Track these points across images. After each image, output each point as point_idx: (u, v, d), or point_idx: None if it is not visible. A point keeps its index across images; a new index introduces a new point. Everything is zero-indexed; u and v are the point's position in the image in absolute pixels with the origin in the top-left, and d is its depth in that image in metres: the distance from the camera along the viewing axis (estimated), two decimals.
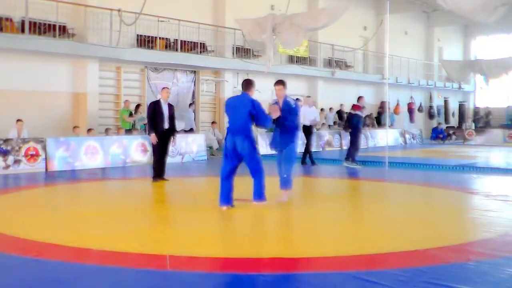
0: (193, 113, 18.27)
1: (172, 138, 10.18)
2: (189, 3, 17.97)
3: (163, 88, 10.69)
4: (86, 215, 6.76)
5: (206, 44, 18.34)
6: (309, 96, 14.15)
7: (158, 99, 10.44)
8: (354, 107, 13.57)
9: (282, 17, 12.42)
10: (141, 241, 5.27)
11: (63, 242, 5.17)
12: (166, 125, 10.01)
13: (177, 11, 16.80)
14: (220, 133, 17.59)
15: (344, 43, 22.93)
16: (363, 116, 13.70)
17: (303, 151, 13.59)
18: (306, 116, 13.21)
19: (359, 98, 13.79)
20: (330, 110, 22.73)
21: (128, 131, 14.99)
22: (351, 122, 13.40)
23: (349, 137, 13.78)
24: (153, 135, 9.92)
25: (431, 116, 28.65)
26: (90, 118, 15.19)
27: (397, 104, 26.26)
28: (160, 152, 10.10)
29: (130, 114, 15.38)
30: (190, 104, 18.40)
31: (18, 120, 12.53)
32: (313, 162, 13.66)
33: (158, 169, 10.11)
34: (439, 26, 30.75)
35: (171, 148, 11.13)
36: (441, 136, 25.84)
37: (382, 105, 26.44)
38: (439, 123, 28.43)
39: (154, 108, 10.03)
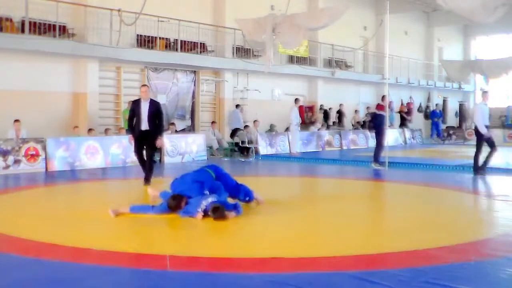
0: (240, 113, 18.54)
1: (152, 140, 9.29)
2: (189, 3, 17.98)
3: (141, 86, 9.84)
4: (86, 215, 6.76)
5: (206, 44, 18.34)
6: (487, 91, 11.79)
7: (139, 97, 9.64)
8: (378, 107, 13.34)
9: (282, 17, 12.44)
10: (141, 241, 5.26)
11: (63, 242, 5.17)
12: (143, 126, 9.21)
13: (177, 11, 16.81)
14: (220, 133, 17.60)
15: (344, 43, 22.94)
16: (385, 115, 13.21)
17: (487, 156, 11.52)
18: (485, 114, 11.42)
19: (383, 97, 13.39)
20: (330, 110, 22.74)
21: None
22: (374, 122, 13.21)
23: (375, 138, 13.30)
24: (129, 136, 9.38)
25: (426, 116, 28.62)
26: (90, 118, 15.19)
27: (402, 104, 26.27)
28: (139, 154, 9.46)
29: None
30: (237, 106, 18.82)
31: (15, 121, 12.47)
32: (481, 169, 11.48)
33: (145, 172, 9.52)
34: (439, 26, 30.75)
35: (151, 151, 9.70)
36: (444, 135, 25.82)
37: (408, 105, 26.49)
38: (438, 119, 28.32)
39: (133, 107, 9.43)
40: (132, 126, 9.32)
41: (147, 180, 9.48)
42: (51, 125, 14.52)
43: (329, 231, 6.00)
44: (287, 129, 18.37)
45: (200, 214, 6.24)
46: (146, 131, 9.22)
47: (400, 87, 26.54)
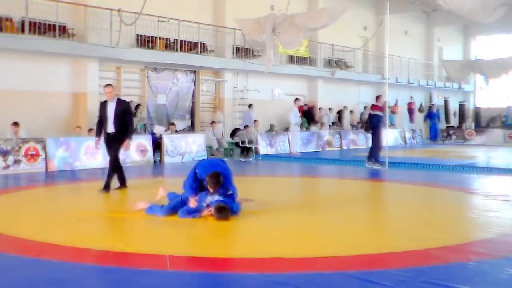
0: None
1: (118, 142, 8.54)
2: (189, 3, 17.98)
3: (104, 86, 8.88)
4: (86, 215, 6.76)
5: (206, 44, 18.34)
6: None
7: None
8: (373, 107, 13.16)
9: (282, 17, 12.43)
10: (141, 241, 5.26)
11: (63, 242, 5.17)
12: (109, 129, 8.51)
13: (177, 11, 16.81)
14: (220, 133, 17.59)
15: (344, 43, 22.93)
16: (383, 115, 13.14)
17: None
18: None
19: (378, 97, 13.32)
20: (330, 110, 22.72)
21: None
22: (371, 123, 13.05)
23: (371, 138, 13.31)
24: (96, 139, 8.79)
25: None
26: (90, 118, 15.18)
27: (395, 104, 26.28)
28: (113, 159, 8.69)
29: (134, 115, 15.42)
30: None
31: (14, 123, 12.34)
32: None
33: (119, 177, 8.85)
34: (439, 26, 30.75)
35: (115, 153, 8.73)
36: (444, 135, 25.83)
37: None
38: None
39: (100, 109, 8.74)
40: (99, 130, 8.68)
41: (121, 184, 8.88)
42: (51, 125, 14.52)
43: (329, 231, 6.00)
44: (286, 129, 18.37)
45: (207, 210, 6.21)
46: (113, 133, 8.50)
47: (400, 87, 26.53)
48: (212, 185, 6.28)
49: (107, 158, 8.99)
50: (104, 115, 8.52)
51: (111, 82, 16.36)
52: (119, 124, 8.46)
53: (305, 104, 21.32)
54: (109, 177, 8.62)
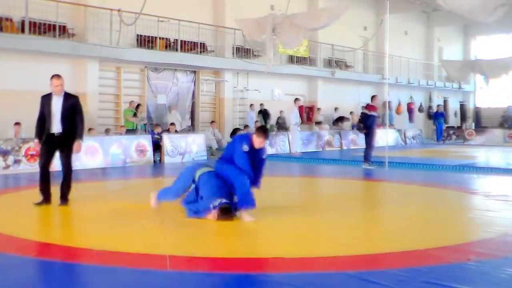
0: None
1: (68, 145, 7.10)
2: (189, 3, 17.98)
3: (52, 77, 7.22)
4: (86, 215, 6.76)
5: (206, 44, 18.35)
6: None
7: (51, 91, 7.27)
8: (368, 107, 13.13)
9: (282, 17, 12.45)
10: (141, 241, 5.26)
11: (63, 242, 5.17)
12: (54, 129, 7.07)
13: (177, 11, 16.82)
14: (220, 133, 17.59)
15: (344, 43, 22.94)
16: (377, 116, 13.04)
17: None
18: None
19: (373, 97, 13.30)
20: (336, 110, 22.70)
21: (132, 131, 15.07)
22: (365, 123, 12.92)
23: (365, 138, 13.28)
24: (36, 141, 7.29)
25: (430, 116, 28.65)
26: (90, 118, 15.17)
27: (399, 104, 26.32)
28: (44, 165, 7.22)
29: (134, 114, 15.44)
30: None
31: (16, 123, 12.42)
32: None
33: (43, 190, 7.22)
34: (439, 26, 30.76)
35: (68, 159, 7.22)
36: (444, 135, 25.85)
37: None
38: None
39: (42, 104, 7.23)
40: (40, 129, 7.21)
41: (63, 198, 7.25)
42: None
43: (329, 231, 6.00)
44: (286, 129, 18.36)
45: (213, 214, 6.21)
46: (59, 134, 7.07)
47: (400, 87, 26.54)
48: (266, 137, 6.63)
49: (45, 161, 7.34)
50: (48, 112, 7.12)
51: (111, 82, 16.46)
52: (68, 123, 7.09)
53: (261, 104, 20.25)
54: (68, 187, 7.30)
